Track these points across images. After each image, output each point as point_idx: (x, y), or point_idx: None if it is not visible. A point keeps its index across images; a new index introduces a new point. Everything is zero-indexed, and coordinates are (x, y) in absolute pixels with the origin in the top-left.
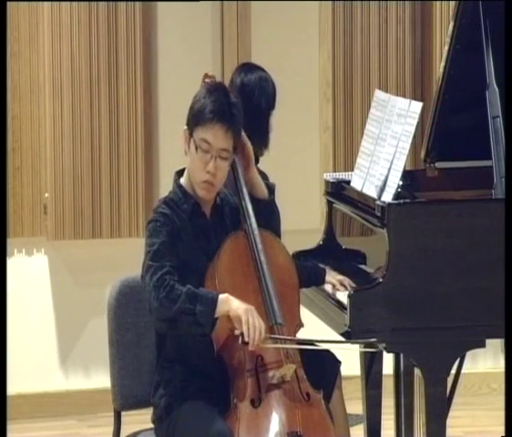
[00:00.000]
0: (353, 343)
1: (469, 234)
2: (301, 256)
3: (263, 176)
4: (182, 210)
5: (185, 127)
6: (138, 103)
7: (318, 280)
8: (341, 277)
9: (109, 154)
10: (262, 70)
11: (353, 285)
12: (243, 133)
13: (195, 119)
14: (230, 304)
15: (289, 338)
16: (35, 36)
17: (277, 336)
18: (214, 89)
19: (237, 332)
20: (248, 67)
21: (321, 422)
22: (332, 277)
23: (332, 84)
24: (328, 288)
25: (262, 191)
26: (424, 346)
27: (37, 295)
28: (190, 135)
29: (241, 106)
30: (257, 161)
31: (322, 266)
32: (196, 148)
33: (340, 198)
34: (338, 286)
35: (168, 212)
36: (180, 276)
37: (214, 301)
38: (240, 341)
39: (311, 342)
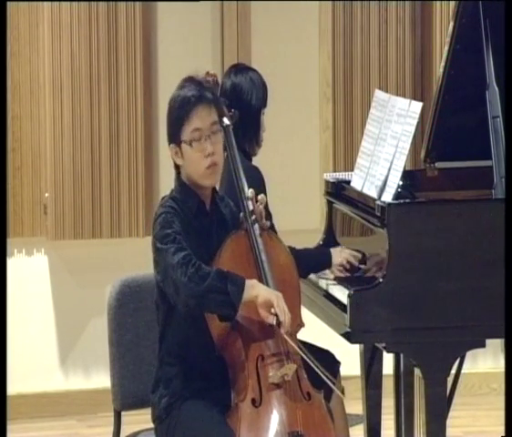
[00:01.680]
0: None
1: (469, 234)
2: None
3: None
4: (187, 208)
5: (171, 145)
6: (138, 103)
7: (325, 264)
8: (346, 254)
9: (109, 154)
10: (252, 70)
11: (359, 257)
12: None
13: (177, 125)
14: (260, 288)
15: (291, 342)
16: (35, 36)
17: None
18: (180, 88)
19: (271, 317)
20: (237, 68)
21: (321, 422)
22: (339, 255)
23: (332, 84)
24: (325, 283)
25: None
26: (424, 346)
27: (37, 295)
28: (179, 143)
29: (216, 86)
30: (250, 159)
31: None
32: (190, 144)
33: (340, 198)
34: (346, 264)
35: (175, 206)
36: None
37: (243, 283)
38: (275, 324)
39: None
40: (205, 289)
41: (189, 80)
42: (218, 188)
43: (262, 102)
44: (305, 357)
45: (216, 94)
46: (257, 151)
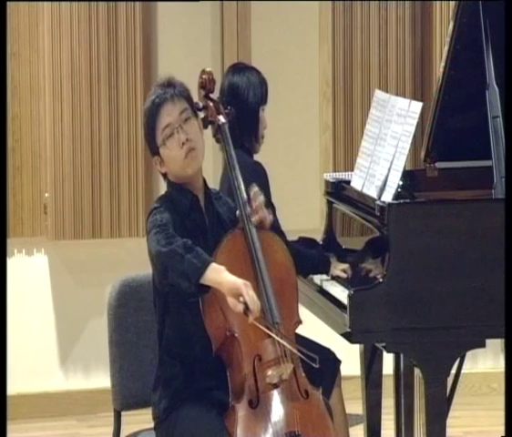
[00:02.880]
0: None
1: (469, 234)
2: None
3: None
4: (181, 205)
5: (154, 158)
6: (138, 103)
7: (323, 269)
8: (344, 266)
9: (109, 154)
10: (251, 68)
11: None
12: (263, 206)
13: (150, 134)
14: (226, 275)
15: (287, 344)
16: (35, 36)
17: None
18: (144, 102)
19: (240, 305)
20: (235, 68)
21: (319, 420)
22: (336, 269)
23: (332, 84)
24: (319, 280)
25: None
26: (424, 346)
27: (37, 295)
28: (157, 152)
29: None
30: (251, 156)
31: (326, 254)
32: (164, 144)
33: (340, 198)
34: (342, 275)
35: (169, 202)
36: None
37: (207, 261)
38: (243, 311)
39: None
40: (168, 254)
41: (152, 89)
42: (219, 187)
43: (261, 99)
44: (277, 337)
45: (181, 86)
46: (258, 148)
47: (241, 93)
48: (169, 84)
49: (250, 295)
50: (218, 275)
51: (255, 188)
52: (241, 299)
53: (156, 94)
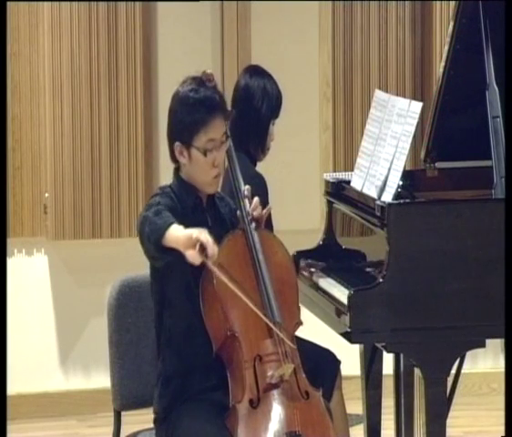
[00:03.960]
0: None
1: (469, 234)
2: (301, 256)
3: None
4: (184, 202)
5: (177, 143)
6: (138, 103)
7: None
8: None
9: (109, 154)
10: (269, 76)
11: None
12: (258, 204)
13: (191, 128)
14: (182, 231)
15: (289, 343)
16: (35, 36)
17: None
18: (194, 90)
19: (197, 254)
20: (255, 70)
21: (320, 421)
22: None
23: (332, 84)
24: (329, 284)
25: None
26: (425, 346)
27: (37, 295)
28: (188, 146)
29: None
30: (254, 164)
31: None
32: (204, 154)
33: (340, 198)
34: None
35: (172, 196)
36: (178, 271)
37: (170, 223)
38: (201, 257)
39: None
40: (141, 220)
41: (201, 84)
42: (220, 188)
43: (274, 112)
44: (277, 331)
45: (225, 102)
46: (262, 158)
47: (256, 101)
48: (220, 95)
49: (205, 237)
50: (176, 231)
51: (247, 186)
52: (198, 245)
53: (211, 98)
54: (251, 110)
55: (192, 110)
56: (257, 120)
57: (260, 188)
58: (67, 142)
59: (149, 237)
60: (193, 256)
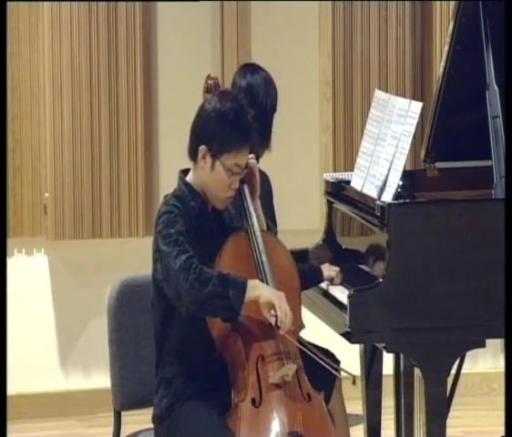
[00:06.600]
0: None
1: (469, 234)
2: (299, 255)
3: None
4: (189, 208)
5: (203, 147)
6: (138, 103)
7: (316, 280)
8: (336, 268)
9: (109, 154)
10: (265, 71)
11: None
12: (255, 163)
13: (224, 145)
14: (261, 289)
15: (290, 339)
16: (35, 36)
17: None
18: (234, 108)
19: (272, 317)
20: (252, 68)
21: (321, 423)
22: (328, 270)
23: (332, 84)
24: (325, 284)
25: (262, 225)
26: (425, 346)
27: (37, 295)
28: (214, 156)
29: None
30: (257, 159)
31: (316, 265)
32: (227, 172)
33: (340, 198)
34: (336, 278)
35: (179, 205)
36: None
37: (245, 286)
38: (274, 324)
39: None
40: (207, 295)
41: (243, 108)
42: None
43: (275, 106)
44: (305, 349)
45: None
46: (261, 154)
47: (261, 97)
48: (252, 128)
49: (282, 308)
50: (255, 291)
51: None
52: (272, 312)
53: (248, 118)
54: (257, 107)
55: (232, 129)
56: (263, 116)
57: (264, 186)
58: (67, 142)
59: (228, 308)
60: (268, 318)
